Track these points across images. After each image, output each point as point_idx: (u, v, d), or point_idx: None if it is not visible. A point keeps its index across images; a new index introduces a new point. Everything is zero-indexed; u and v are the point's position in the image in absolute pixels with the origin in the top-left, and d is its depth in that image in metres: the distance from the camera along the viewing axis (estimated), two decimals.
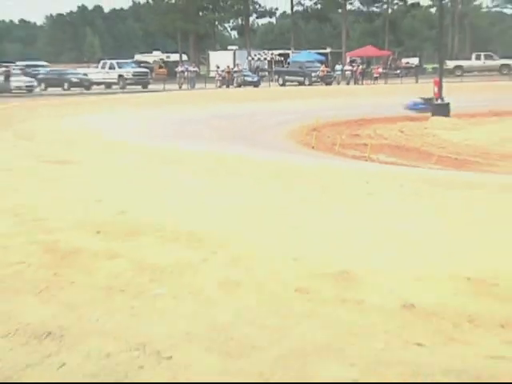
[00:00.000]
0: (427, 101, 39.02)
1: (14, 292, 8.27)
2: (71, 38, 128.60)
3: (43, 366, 6.19)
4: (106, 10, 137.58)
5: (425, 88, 47.96)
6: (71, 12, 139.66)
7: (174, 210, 13.03)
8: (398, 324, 7.03)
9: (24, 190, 15.45)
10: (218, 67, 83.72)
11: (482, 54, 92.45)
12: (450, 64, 77.70)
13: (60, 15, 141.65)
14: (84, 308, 7.70)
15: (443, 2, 57.81)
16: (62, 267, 9.28)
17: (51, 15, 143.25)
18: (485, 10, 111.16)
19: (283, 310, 7.51)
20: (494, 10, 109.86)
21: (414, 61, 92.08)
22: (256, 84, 77.41)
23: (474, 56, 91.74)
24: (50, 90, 65.92)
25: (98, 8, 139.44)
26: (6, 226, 11.67)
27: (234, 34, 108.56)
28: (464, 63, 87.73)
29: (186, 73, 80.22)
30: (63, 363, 6.24)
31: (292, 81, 79.12)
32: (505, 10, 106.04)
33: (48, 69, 75.36)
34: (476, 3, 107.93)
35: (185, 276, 8.81)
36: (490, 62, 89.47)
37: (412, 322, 7.06)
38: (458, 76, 77.87)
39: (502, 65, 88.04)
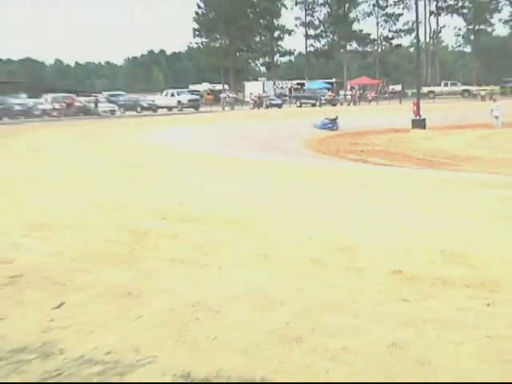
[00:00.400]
0: (332, 121, 38.14)
1: (103, 263, 8.34)
2: (143, 74, 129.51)
3: (126, 317, 6.23)
4: (168, 52, 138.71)
5: (406, 107, 47.93)
6: (142, 55, 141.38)
7: (219, 202, 13.08)
8: (389, 285, 7.03)
9: (110, 187, 15.59)
10: (251, 94, 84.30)
11: (449, 82, 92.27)
12: (425, 89, 77.36)
13: (135, 57, 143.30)
14: (154, 275, 7.76)
15: (420, 43, 57.63)
16: (138, 244, 9.35)
17: (128, 58, 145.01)
18: (450, 49, 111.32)
19: (302, 276, 7.52)
20: (456, 49, 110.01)
21: (398, 87, 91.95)
22: (280, 106, 77.48)
23: (442, 83, 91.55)
24: (127, 112, 66.34)
25: (162, 52, 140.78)
26: (97, 214, 11.79)
27: (263, 69, 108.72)
28: (435, 89, 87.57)
29: (227, 98, 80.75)
30: (140, 315, 6.28)
31: (306, 103, 79.06)
32: (465, 49, 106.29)
33: (125, 97, 75.70)
34: (444, 44, 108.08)
35: (227, 251, 8.84)
36: (454, 88, 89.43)
37: (400, 283, 7.06)
38: (431, 98, 77.59)
39: (463, 90, 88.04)
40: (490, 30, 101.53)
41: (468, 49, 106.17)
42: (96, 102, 64.36)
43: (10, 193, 15.00)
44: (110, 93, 78.04)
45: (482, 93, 78.87)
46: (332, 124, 37.86)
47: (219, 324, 6.00)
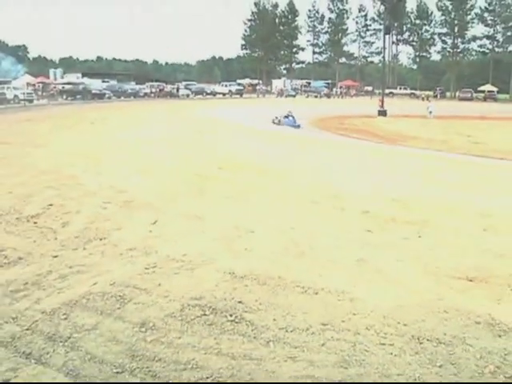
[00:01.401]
0: (290, 116, 28.67)
1: (180, 195, 8.38)
2: (207, 71, 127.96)
3: (194, 232, 6.25)
4: (224, 58, 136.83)
5: (375, 102, 47.37)
6: (208, 59, 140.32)
7: (254, 157, 12.98)
8: (359, 220, 7.03)
9: (184, 145, 15.44)
10: (276, 87, 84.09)
11: (402, 86, 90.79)
12: (387, 91, 74.95)
13: (203, 60, 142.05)
14: (212, 204, 7.77)
15: (385, 61, 56.76)
16: (204, 183, 9.33)
17: (199, 60, 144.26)
18: (403, 66, 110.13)
19: (303, 212, 7.53)
20: (408, 66, 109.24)
21: (370, 88, 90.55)
22: (294, 96, 76.54)
23: (398, 87, 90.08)
24: (197, 96, 66.05)
25: (221, 57, 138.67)
26: (177, 165, 11.76)
27: (284, 71, 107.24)
28: (394, 91, 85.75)
29: (261, 89, 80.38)
30: (203, 231, 6.32)
31: (312, 95, 78.02)
32: (413, 67, 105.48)
33: (196, 86, 74.98)
34: (400, 63, 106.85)
35: (262, 190, 8.82)
36: (405, 91, 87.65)
37: (366, 219, 7.06)
38: (391, 97, 75.97)
39: (411, 93, 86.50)
40: (428, 56, 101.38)
41: (414, 66, 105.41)
42: (177, 89, 64.51)
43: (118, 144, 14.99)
44: (186, 83, 77.31)
45: (422, 95, 77.96)
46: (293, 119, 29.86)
47: (252, 240, 6.06)
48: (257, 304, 4.26)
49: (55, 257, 5.26)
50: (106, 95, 48.99)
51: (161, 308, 4.12)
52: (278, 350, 3.52)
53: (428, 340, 3.67)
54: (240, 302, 4.27)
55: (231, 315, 4.03)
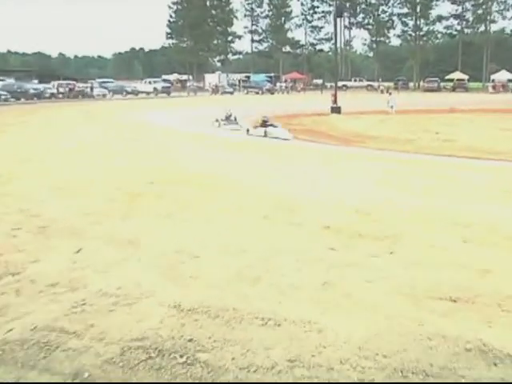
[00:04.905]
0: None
1: (109, 216, 8.29)
2: (126, 65, 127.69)
3: (129, 260, 6.26)
4: (146, 49, 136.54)
5: (326, 96, 47.92)
6: (126, 51, 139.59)
7: (188, 164, 12.97)
8: (320, 237, 7.14)
9: (109, 157, 15.33)
10: (210, 83, 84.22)
11: (357, 78, 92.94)
12: (340, 83, 76.27)
13: (120, 53, 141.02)
14: (145, 224, 7.75)
15: (337, 49, 57.70)
16: (134, 201, 9.30)
17: (115, 53, 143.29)
18: (358, 53, 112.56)
19: (255, 230, 7.58)
20: (363, 54, 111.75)
21: (320, 81, 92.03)
22: (231, 93, 77.13)
23: (353, 79, 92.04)
24: (115, 96, 65.36)
25: (141, 49, 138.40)
26: (101, 180, 11.64)
27: (219, 64, 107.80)
28: (347, 83, 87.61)
29: (191, 86, 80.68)
30: (139, 258, 6.31)
31: (252, 91, 78.63)
32: (369, 54, 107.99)
33: (114, 84, 74.30)
34: (353, 50, 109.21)
35: (201, 204, 8.81)
36: (360, 83, 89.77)
37: (328, 235, 7.18)
38: (344, 90, 77.46)
39: (368, 85, 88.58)
40: (387, 41, 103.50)
41: (371, 54, 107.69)
42: (92, 87, 63.93)
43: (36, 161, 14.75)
44: (101, 80, 76.65)
45: (381, 87, 79.79)
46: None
47: (198, 266, 6.07)
48: (211, 341, 4.29)
49: None
50: (2, 97, 47.86)
51: (96, 354, 4.09)
52: None
53: (413, 373, 3.78)
54: (191, 341, 4.29)
55: (182, 356, 4.05)
